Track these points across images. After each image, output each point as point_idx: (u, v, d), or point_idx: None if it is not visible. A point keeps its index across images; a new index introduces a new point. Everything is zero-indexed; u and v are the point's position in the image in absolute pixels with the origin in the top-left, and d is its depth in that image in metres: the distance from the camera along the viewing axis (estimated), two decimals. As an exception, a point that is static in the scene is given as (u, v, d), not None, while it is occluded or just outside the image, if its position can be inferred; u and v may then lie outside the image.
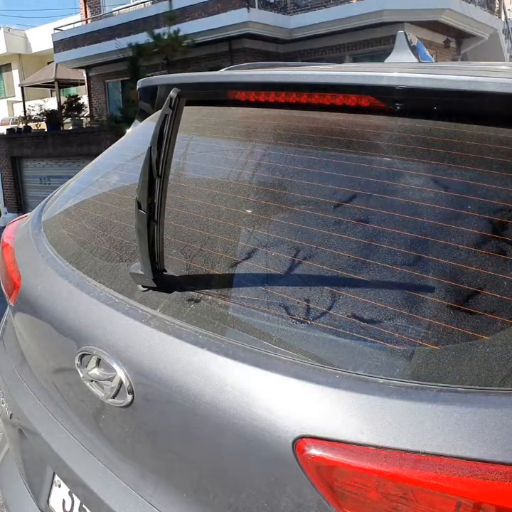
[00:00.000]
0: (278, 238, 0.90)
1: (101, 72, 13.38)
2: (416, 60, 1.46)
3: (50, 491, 1.16)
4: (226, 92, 1.18)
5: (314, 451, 0.66)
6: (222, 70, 1.41)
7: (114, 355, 0.89)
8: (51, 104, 14.78)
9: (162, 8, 10.45)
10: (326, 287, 0.79)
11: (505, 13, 12.93)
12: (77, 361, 0.96)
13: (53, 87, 14.73)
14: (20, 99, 16.21)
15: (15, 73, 23.79)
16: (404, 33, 1.52)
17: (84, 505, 1.04)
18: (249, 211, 0.96)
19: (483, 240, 0.74)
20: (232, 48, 10.85)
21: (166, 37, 9.55)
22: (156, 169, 0.80)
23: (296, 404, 0.69)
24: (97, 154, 1.63)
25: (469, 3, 10.39)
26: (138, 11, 11.77)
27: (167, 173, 0.82)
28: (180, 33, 9.65)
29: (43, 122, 12.75)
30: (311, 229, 0.88)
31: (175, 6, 9.99)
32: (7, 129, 13.21)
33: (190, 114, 1.11)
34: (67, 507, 1.10)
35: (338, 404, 0.67)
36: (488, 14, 11.48)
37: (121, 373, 0.87)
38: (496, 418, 0.60)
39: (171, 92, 0.78)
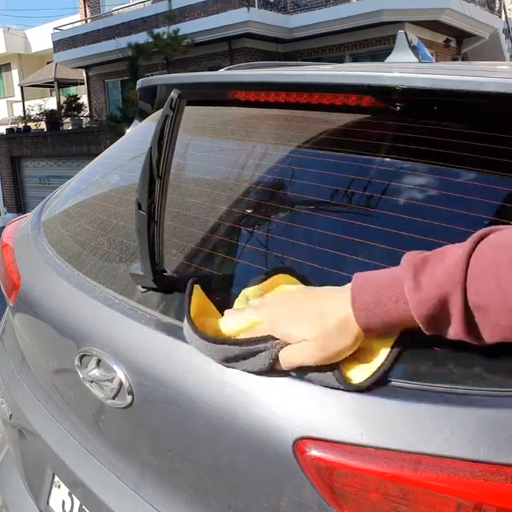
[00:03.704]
0: (278, 238, 0.90)
1: (100, 72, 13.39)
2: (416, 60, 1.46)
3: (50, 491, 1.15)
4: (226, 92, 1.18)
5: (315, 452, 0.66)
6: (222, 69, 1.41)
7: (114, 356, 0.89)
8: (51, 104, 14.77)
9: (161, 7, 10.45)
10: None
11: (505, 12, 12.93)
12: (76, 362, 0.96)
13: (53, 86, 14.73)
14: (20, 99, 16.21)
15: (14, 73, 23.80)
16: (405, 32, 1.51)
17: (84, 506, 1.04)
18: (249, 211, 0.96)
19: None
20: (231, 47, 10.86)
21: (165, 37, 9.55)
22: (156, 170, 0.80)
23: (296, 405, 0.69)
24: (97, 154, 1.63)
25: (469, 2, 10.40)
26: (137, 10, 11.78)
27: (167, 174, 0.82)
28: (180, 33, 9.65)
29: (43, 122, 12.74)
30: (311, 229, 0.88)
31: (174, 6, 9.99)
32: (6, 129, 13.21)
33: (190, 114, 1.10)
34: (67, 508, 1.10)
35: (338, 404, 0.67)
36: (488, 14, 11.49)
37: (121, 374, 0.87)
38: (496, 419, 0.60)
39: (172, 93, 0.78)
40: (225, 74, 1.20)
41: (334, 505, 0.65)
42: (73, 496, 1.08)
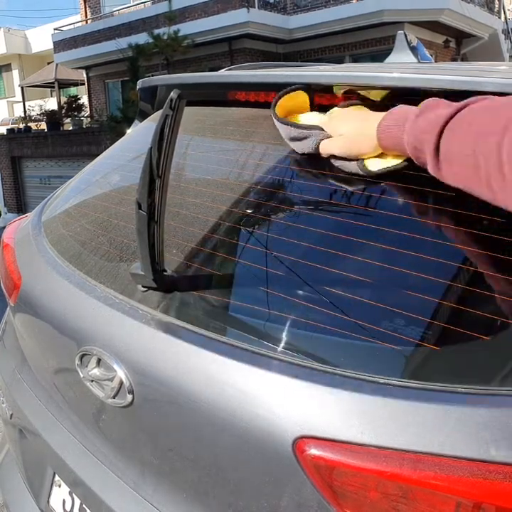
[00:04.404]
0: (278, 238, 0.90)
1: (101, 72, 13.39)
2: (415, 61, 1.46)
3: (51, 491, 1.16)
4: (226, 92, 1.18)
5: (314, 451, 0.66)
6: (223, 70, 1.41)
7: (114, 355, 0.89)
8: (51, 104, 14.78)
9: (162, 8, 10.45)
10: (326, 287, 0.79)
11: (504, 13, 12.94)
12: (77, 361, 0.96)
13: (53, 87, 14.74)
14: (20, 100, 16.22)
15: (15, 73, 23.81)
16: (404, 33, 1.51)
17: (84, 505, 1.05)
18: (249, 211, 0.97)
19: (483, 240, 0.74)
20: (232, 48, 10.87)
21: (165, 37, 9.55)
22: (156, 170, 0.80)
23: (296, 404, 0.69)
24: (97, 154, 1.63)
25: (469, 3, 10.40)
26: (138, 11, 11.78)
27: (167, 174, 0.83)
28: (180, 34, 9.65)
29: (43, 122, 12.75)
30: (310, 229, 0.88)
31: (174, 7, 9.99)
32: (7, 129, 13.22)
33: (190, 114, 1.11)
34: (68, 507, 1.10)
35: (339, 404, 0.67)
36: (487, 14, 11.49)
37: (121, 373, 0.87)
38: (495, 418, 0.60)
39: (172, 93, 0.78)
40: (225, 74, 1.20)
41: (334, 504, 0.66)
42: (74, 495, 1.08)
